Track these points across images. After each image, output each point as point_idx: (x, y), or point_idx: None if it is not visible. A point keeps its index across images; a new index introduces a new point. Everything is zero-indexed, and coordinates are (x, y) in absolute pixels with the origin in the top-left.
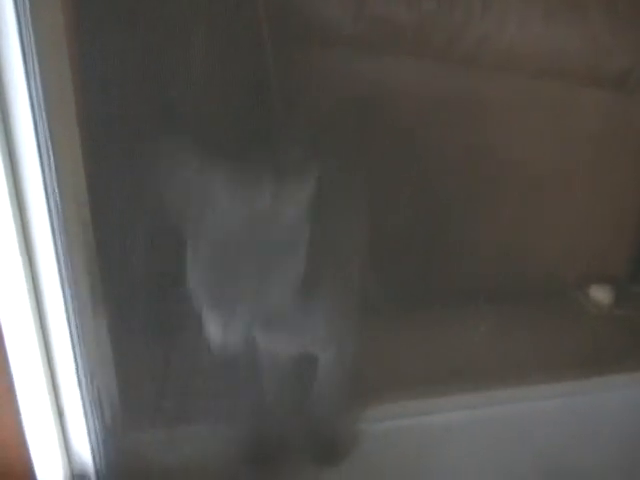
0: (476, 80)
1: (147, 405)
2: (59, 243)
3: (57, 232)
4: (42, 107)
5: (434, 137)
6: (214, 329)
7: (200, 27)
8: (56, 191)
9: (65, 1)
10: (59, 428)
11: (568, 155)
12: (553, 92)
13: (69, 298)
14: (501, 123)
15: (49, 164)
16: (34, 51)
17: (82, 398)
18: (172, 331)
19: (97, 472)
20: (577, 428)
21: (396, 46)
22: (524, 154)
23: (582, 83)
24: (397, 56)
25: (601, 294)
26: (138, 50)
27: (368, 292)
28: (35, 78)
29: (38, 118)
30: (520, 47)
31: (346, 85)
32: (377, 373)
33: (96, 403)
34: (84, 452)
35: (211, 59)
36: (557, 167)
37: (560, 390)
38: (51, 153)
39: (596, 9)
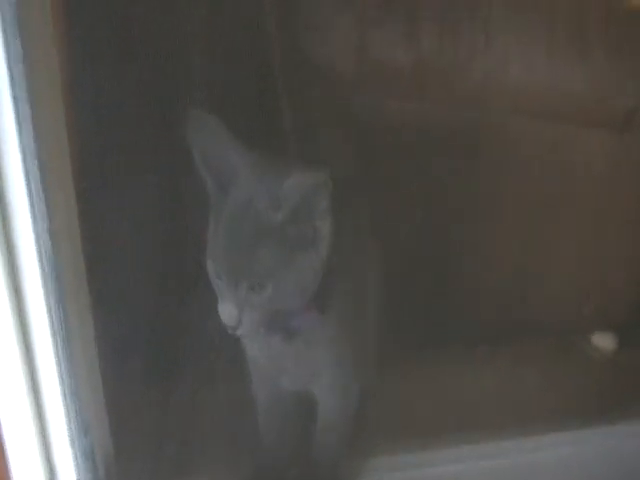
0: (477, 121)
1: (143, 460)
2: (50, 296)
3: (49, 286)
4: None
5: (434, 178)
6: (228, 307)
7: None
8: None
9: (61, 49)
10: None
11: (572, 198)
12: (557, 133)
13: (61, 350)
14: (503, 165)
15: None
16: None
17: (74, 453)
18: (169, 383)
19: None
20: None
21: (396, 89)
22: (527, 197)
23: (587, 123)
24: (397, 98)
25: (604, 341)
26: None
27: (374, 337)
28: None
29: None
30: (523, 88)
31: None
32: (380, 422)
33: (89, 458)
34: None
35: (214, 105)
36: (560, 210)
37: (565, 439)
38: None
39: (600, 48)
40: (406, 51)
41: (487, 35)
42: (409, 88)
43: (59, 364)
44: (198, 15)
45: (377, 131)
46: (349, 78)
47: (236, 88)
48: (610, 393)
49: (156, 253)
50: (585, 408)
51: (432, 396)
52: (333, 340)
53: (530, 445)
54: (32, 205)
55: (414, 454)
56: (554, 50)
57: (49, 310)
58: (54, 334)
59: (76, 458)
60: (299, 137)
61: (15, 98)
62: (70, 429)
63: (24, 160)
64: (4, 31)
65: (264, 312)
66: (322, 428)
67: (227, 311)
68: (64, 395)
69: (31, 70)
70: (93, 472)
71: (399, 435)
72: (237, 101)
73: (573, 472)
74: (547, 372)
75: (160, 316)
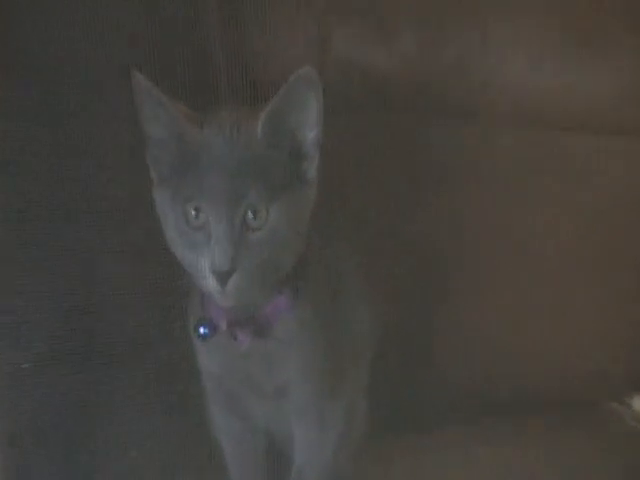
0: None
1: None
2: None
3: None
4: None
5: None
6: (221, 247)
7: None
8: None
9: None
10: None
11: (601, 227)
12: (574, 147)
13: None
14: (511, 188)
15: None
16: None
17: None
18: None
19: None
20: None
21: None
22: (544, 227)
23: (609, 133)
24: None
25: None
26: None
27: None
28: None
29: None
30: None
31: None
32: None
33: None
34: None
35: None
36: (590, 243)
37: None
38: None
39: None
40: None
41: None
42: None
43: None
44: None
45: None
46: None
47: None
48: None
49: None
50: None
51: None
52: (308, 342)
53: None
54: None
55: None
56: (568, 50)
57: None
58: None
59: None
60: None
61: None
62: None
63: None
64: None
65: (258, 259)
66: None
67: (220, 252)
68: None
69: None
70: None
71: None
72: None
73: None
74: (581, 449)
75: None
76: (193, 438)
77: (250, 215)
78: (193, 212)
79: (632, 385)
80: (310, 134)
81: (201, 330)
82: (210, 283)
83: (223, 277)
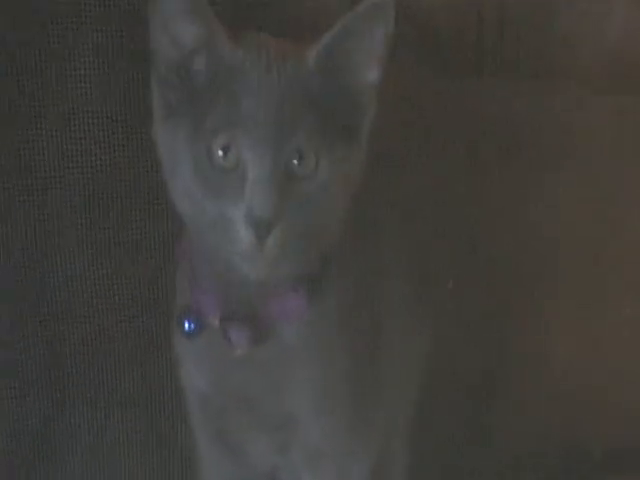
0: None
1: None
2: None
3: None
4: None
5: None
6: (264, 189)
7: None
8: None
9: None
10: None
11: None
12: None
13: None
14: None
15: None
16: None
17: None
18: None
19: None
20: None
21: None
22: None
23: None
24: None
25: None
26: None
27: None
28: None
29: None
30: None
31: None
32: None
33: None
34: None
35: None
36: None
37: None
38: None
39: None
40: None
41: None
42: None
43: None
44: None
45: None
46: None
47: None
48: None
49: None
50: None
51: None
52: (325, 356)
53: None
54: None
55: None
56: None
57: None
58: None
59: None
60: None
61: None
62: None
63: None
64: None
65: (303, 217)
66: None
67: (261, 195)
68: None
69: None
70: None
71: None
72: None
73: None
74: None
75: None
76: None
77: (295, 161)
78: (220, 151)
79: None
80: (370, 76)
81: (185, 325)
82: (245, 238)
83: (263, 229)
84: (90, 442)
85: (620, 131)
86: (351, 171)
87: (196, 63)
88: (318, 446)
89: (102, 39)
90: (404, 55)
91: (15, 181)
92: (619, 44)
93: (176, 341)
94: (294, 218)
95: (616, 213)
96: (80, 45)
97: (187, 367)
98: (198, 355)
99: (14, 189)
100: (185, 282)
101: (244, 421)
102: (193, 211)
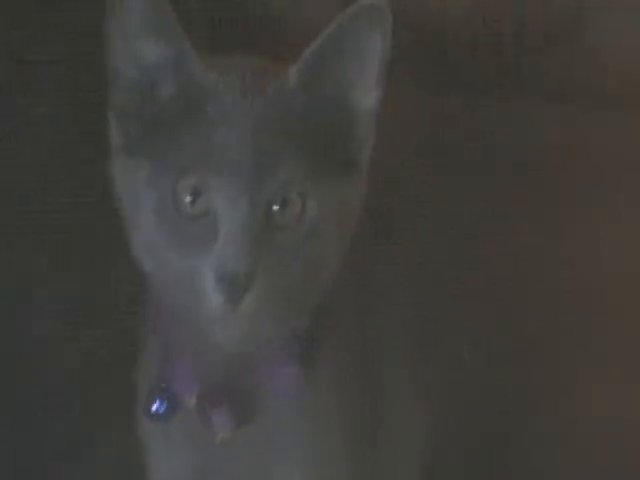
0: None
1: None
2: None
3: None
4: None
5: None
6: (238, 239)
7: None
8: None
9: None
10: None
11: None
12: None
13: None
14: None
15: None
16: None
17: None
18: None
19: None
20: None
21: None
22: None
23: None
24: None
25: None
26: None
27: None
28: None
29: None
30: None
31: None
32: None
33: None
34: None
35: None
36: None
37: None
38: None
39: None
40: None
41: None
42: None
43: None
44: None
45: None
46: None
47: None
48: None
49: None
50: None
51: None
52: (316, 427)
53: None
54: None
55: None
56: None
57: None
58: None
59: None
60: None
61: None
62: None
63: None
64: None
65: (285, 272)
66: None
67: (234, 249)
68: None
69: None
70: None
71: None
72: None
73: None
74: None
75: None
76: None
77: (275, 206)
78: (189, 195)
79: None
80: (365, 97)
81: (154, 406)
82: (214, 298)
83: (236, 289)
84: None
85: None
86: (347, 209)
87: (160, 87)
88: None
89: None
90: (410, 72)
91: None
92: None
93: (141, 424)
94: (275, 273)
95: None
96: None
97: (156, 455)
98: (169, 441)
99: None
100: (152, 353)
101: None
102: (157, 266)
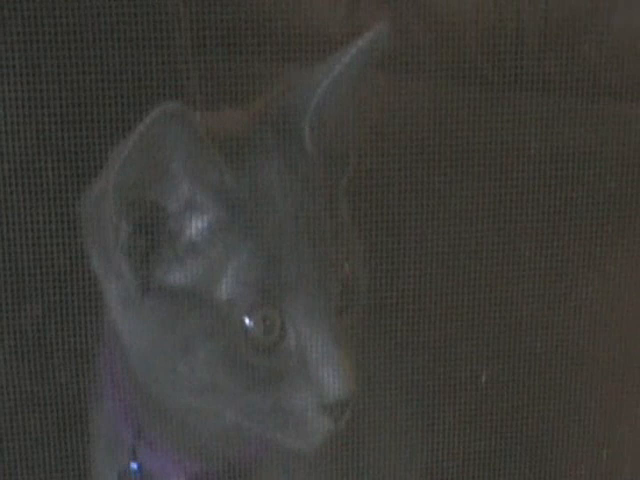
0: None
1: None
2: None
3: None
4: None
5: None
6: (337, 355)
7: None
8: None
9: None
10: None
11: None
12: None
13: None
14: None
15: None
16: None
17: None
18: None
19: None
20: None
21: None
22: None
23: None
24: None
25: None
26: None
27: None
28: None
29: None
30: None
31: None
32: None
33: None
34: None
35: None
36: None
37: None
38: None
39: None
40: None
41: None
42: None
43: None
44: None
45: None
46: None
47: None
48: None
49: None
50: None
51: None
52: None
53: None
54: None
55: None
56: None
57: None
58: None
59: None
60: None
61: None
62: None
63: None
64: None
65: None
66: None
67: (339, 376)
68: None
69: None
70: None
71: None
72: None
73: None
74: None
75: None
76: None
77: (339, 295)
78: (262, 323)
79: None
80: None
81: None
82: (319, 427)
83: (344, 409)
84: None
85: None
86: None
87: (185, 222)
88: None
89: None
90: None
91: None
92: None
93: None
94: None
95: None
96: None
97: None
98: None
99: None
100: (122, 432)
101: None
102: (218, 403)
